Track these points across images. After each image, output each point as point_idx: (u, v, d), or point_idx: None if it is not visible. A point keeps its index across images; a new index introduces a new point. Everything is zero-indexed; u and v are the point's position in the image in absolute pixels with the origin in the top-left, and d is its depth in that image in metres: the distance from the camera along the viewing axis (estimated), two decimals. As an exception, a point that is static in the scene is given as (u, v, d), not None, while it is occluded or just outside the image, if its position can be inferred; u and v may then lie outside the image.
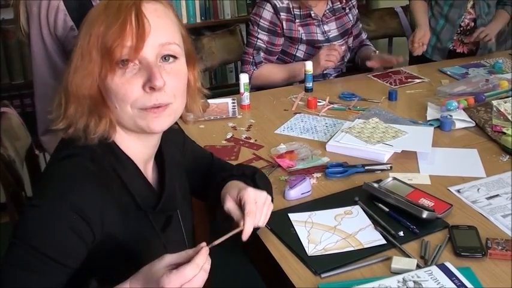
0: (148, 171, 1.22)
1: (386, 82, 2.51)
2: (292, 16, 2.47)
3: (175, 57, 1.11)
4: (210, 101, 2.34)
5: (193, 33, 3.63)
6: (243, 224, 1.18)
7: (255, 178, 1.37)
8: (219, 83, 3.95)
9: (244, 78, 2.26)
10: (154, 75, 1.05)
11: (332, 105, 2.26)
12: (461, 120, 2.05)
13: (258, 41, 2.50)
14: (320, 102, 2.28)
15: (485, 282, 1.24)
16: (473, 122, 2.05)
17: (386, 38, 3.49)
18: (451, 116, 2.03)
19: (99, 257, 1.07)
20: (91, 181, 1.06)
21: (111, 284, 1.00)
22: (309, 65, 2.39)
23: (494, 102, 2.10)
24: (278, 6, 2.45)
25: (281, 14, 2.46)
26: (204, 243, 1.02)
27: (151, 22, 1.06)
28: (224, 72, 3.94)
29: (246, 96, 2.27)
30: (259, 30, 2.49)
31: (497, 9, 2.83)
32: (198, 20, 3.88)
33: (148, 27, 1.05)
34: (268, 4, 2.46)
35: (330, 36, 2.55)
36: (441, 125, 2.03)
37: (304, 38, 2.51)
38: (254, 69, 2.52)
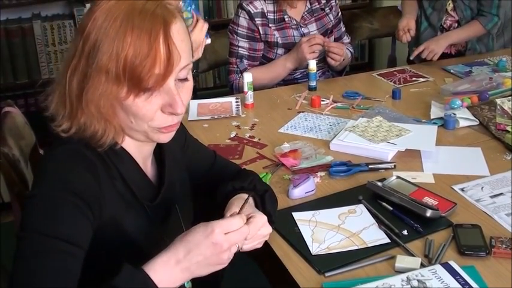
0: (148, 167, 1.23)
1: (391, 81, 2.51)
2: (267, 20, 2.49)
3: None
4: (213, 100, 2.36)
5: (197, 32, 3.63)
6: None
7: (265, 197, 1.32)
8: (223, 82, 3.95)
9: (247, 77, 2.26)
10: (177, 102, 1.06)
11: (336, 104, 2.26)
12: (465, 118, 2.04)
13: (240, 49, 2.52)
14: (324, 101, 2.28)
15: (490, 281, 1.24)
16: (477, 121, 2.04)
17: (389, 36, 3.48)
18: (454, 114, 2.03)
19: (101, 245, 1.07)
20: (85, 165, 1.07)
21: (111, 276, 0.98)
22: (312, 64, 2.38)
23: (498, 101, 2.10)
24: (252, 12, 2.47)
25: (256, 19, 2.48)
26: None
27: (178, 49, 1.04)
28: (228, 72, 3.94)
29: (249, 95, 2.27)
30: (239, 39, 2.51)
31: (474, 17, 2.72)
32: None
33: (177, 58, 1.04)
34: (243, 11, 2.49)
35: None
36: (445, 124, 2.02)
37: (280, 42, 2.51)
38: (240, 77, 2.52)
